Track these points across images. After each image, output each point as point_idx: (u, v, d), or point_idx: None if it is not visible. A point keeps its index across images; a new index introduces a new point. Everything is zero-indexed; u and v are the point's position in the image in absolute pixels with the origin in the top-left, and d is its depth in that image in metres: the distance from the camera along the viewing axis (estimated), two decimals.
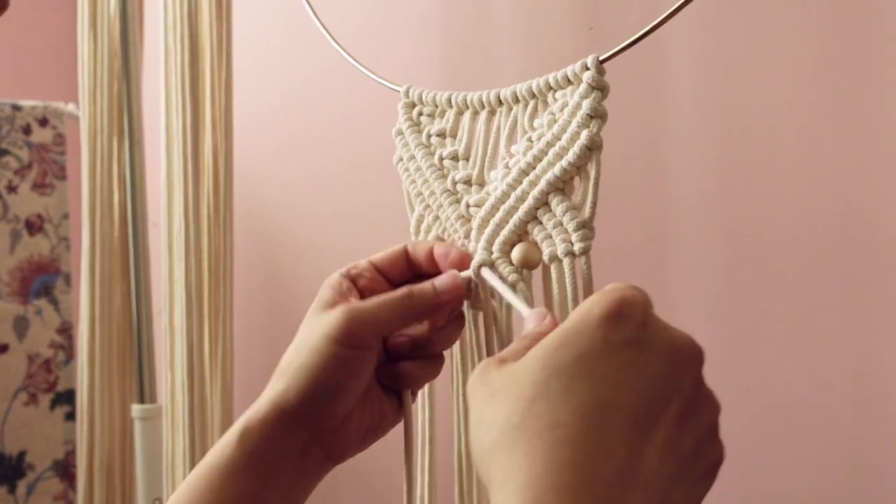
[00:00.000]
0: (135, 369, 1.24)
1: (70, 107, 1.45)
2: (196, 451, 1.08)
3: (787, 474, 0.74)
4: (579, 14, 0.85)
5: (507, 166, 0.53)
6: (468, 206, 0.55)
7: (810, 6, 0.71)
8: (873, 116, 0.68)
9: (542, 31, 0.89)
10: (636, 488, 0.36)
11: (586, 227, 0.50)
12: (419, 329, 0.53)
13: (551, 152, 0.51)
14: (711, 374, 0.40)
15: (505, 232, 0.52)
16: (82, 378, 1.27)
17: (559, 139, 0.51)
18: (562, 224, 0.50)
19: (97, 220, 1.25)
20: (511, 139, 0.54)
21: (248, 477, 0.49)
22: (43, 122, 1.44)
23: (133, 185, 1.23)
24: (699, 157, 0.78)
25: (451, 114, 0.58)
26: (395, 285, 0.54)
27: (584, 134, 0.49)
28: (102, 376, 1.26)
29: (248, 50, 1.25)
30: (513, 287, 0.51)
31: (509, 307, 0.54)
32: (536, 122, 0.53)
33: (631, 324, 0.38)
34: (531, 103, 0.54)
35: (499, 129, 0.55)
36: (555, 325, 0.45)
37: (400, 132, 0.59)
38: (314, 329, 0.50)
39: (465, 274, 0.53)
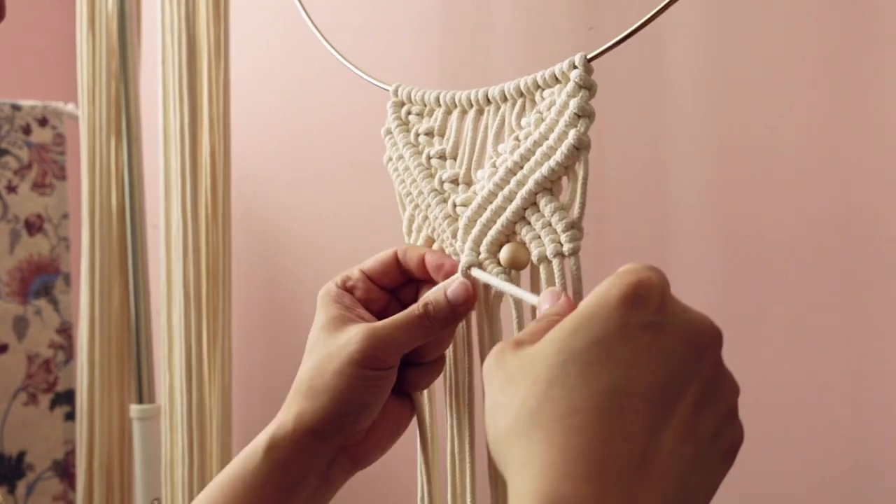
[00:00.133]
0: (134, 370, 1.24)
1: (70, 107, 1.45)
2: (194, 451, 1.08)
3: (786, 474, 0.74)
4: (579, 14, 0.85)
5: (494, 165, 0.53)
6: (455, 205, 0.54)
7: (810, 6, 0.71)
8: (873, 116, 0.68)
9: (541, 30, 0.89)
10: (654, 473, 0.35)
11: (575, 227, 0.49)
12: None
13: (539, 152, 0.50)
14: None
15: (492, 232, 0.52)
16: (82, 378, 1.27)
17: (547, 138, 0.50)
18: (550, 224, 0.50)
19: (96, 220, 1.25)
20: (498, 138, 0.54)
21: (274, 489, 0.50)
22: (43, 122, 1.44)
23: (132, 185, 1.23)
24: (699, 157, 0.78)
25: (439, 113, 0.57)
26: (386, 291, 0.55)
27: (572, 133, 0.49)
28: (102, 376, 1.26)
29: (247, 50, 1.25)
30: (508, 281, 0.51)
31: (500, 304, 0.54)
32: (524, 121, 0.52)
33: (649, 306, 0.38)
34: (519, 102, 0.53)
35: (486, 127, 0.55)
36: (569, 304, 0.44)
37: (389, 131, 0.59)
38: (335, 351, 0.51)
39: (453, 278, 0.53)
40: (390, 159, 0.59)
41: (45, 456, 1.42)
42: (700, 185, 0.78)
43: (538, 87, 0.52)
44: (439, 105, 0.57)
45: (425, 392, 0.56)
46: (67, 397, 1.42)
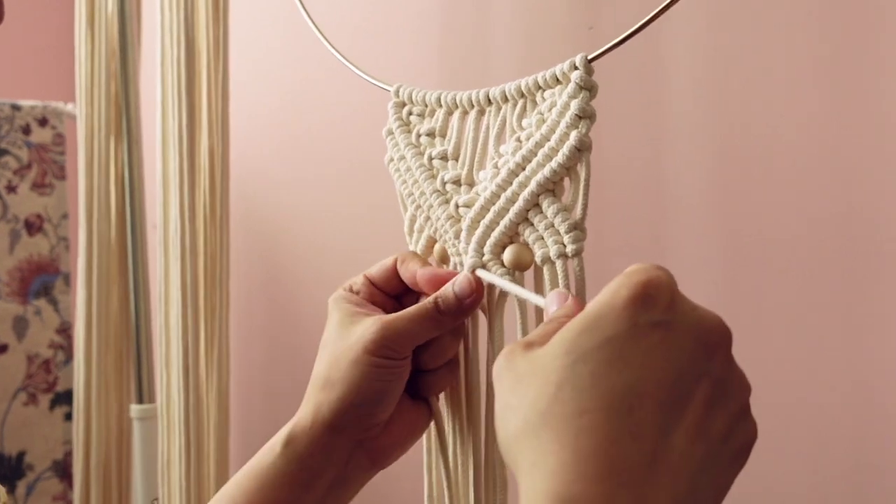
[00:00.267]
0: (133, 370, 1.24)
1: (69, 107, 1.45)
2: (191, 451, 1.08)
3: (787, 474, 0.74)
4: (579, 14, 0.85)
5: (496, 166, 0.53)
6: (457, 206, 0.54)
7: (810, 6, 0.71)
8: (873, 116, 0.68)
9: (541, 30, 0.89)
10: (665, 473, 0.35)
11: (578, 228, 0.49)
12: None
13: (540, 153, 0.50)
14: None
15: (496, 234, 0.52)
16: (79, 378, 1.27)
17: (548, 140, 0.50)
18: (553, 225, 0.50)
19: (94, 220, 1.25)
20: (500, 139, 0.54)
21: (290, 483, 0.51)
22: (42, 122, 1.44)
23: (131, 185, 1.23)
24: (699, 157, 0.78)
25: (440, 113, 0.58)
26: (391, 297, 0.56)
27: (574, 135, 0.49)
28: (100, 376, 1.26)
29: (247, 51, 1.25)
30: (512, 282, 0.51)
31: (504, 304, 0.54)
32: (525, 122, 0.52)
33: (658, 306, 0.38)
34: (520, 103, 0.53)
35: (488, 128, 0.55)
36: (578, 305, 0.44)
37: (390, 132, 0.59)
38: (350, 343, 0.51)
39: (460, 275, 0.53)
40: (391, 160, 0.59)
41: (44, 456, 1.42)
42: (700, 185, 0.78)
43: (539, 87, 0.52)
44: (440, 106, 0.57)
45: (442, 397, 0.57)
46: (67, 397, 1.42)
